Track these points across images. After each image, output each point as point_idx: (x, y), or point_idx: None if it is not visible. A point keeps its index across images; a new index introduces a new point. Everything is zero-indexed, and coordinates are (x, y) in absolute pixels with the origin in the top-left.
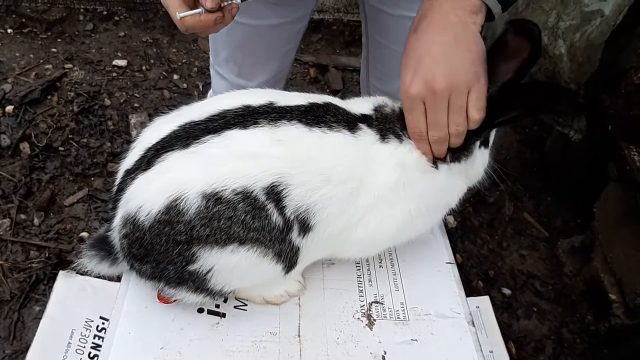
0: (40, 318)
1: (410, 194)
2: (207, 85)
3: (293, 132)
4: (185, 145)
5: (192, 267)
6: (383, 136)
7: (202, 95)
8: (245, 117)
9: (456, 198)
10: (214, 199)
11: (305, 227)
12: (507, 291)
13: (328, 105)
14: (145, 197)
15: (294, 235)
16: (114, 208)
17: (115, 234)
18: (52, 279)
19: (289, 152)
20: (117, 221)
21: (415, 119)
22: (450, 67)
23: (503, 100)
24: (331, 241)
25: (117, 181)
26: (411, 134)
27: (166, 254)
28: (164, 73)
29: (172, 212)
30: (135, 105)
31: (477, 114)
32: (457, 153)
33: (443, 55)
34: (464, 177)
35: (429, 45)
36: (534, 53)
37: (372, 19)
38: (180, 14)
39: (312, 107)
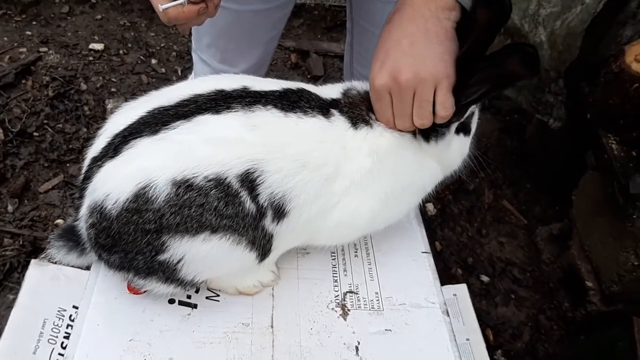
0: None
1: (385, 177)
2: (186, 70)
3: (269, 118)
4: (154, 131)
5: (161, 257)
6: (354, 123)
7: (181, 80)
8: (218, 102)
9: (429, 180)
10: (184, 186)
11: (280, 214)
12: (485, 278)
13: (301, 91)
14: (112, 185)
15: (268, 221)
16: (81, 197)
17: (83, 224)
18: (26, 267)
19: (264, 137)
20: (84, 210)
21: (381, 110)
22: (417, 60)
23: (467, 79)
24: (306, 227)
25: (84, 169)
26: (379, 122)
27: (134, 244)
28: (142, 57)
29: (140, 200)
30: (112, 90)
31: (443, 111)
32: (426, 132)
33: (411, 47)
34: (436, 159)
35: (399, 37)
36: (502, 21)
37: (358, 4)
38: (162, 5)
39: (286, 92)
